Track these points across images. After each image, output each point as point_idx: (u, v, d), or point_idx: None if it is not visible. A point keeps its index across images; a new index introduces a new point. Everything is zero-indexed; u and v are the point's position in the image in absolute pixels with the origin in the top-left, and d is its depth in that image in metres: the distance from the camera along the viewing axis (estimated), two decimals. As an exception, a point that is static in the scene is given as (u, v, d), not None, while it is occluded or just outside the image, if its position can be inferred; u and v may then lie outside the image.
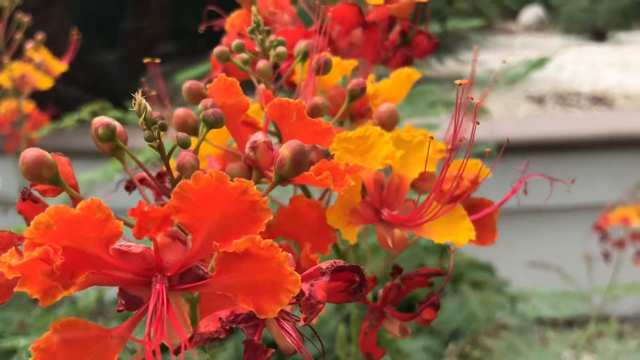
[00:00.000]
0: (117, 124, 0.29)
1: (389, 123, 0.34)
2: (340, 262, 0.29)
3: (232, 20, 0.48)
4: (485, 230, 0.36)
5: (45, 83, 1.17)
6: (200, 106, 0.30)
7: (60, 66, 1.14)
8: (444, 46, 5.41)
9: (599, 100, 4.62)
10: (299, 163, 0.28)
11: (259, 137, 0.29)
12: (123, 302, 0.25)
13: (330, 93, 0.38)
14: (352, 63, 0.39)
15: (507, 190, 3.14)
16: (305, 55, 0.34)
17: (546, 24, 8.17)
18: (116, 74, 5.49)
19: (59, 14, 4.83)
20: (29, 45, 1.13)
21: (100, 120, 0.28)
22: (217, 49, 0.34)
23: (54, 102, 1.50)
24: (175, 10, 5.37)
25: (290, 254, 0.29)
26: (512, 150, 3.35)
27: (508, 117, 4.15)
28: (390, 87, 0.39)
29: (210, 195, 0.24)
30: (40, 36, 1.11)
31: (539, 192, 3.51)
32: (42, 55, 1.12)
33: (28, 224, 0.25)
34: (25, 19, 1.11)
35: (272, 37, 0.33)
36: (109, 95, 5.32)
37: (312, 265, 0.31)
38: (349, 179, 0.30)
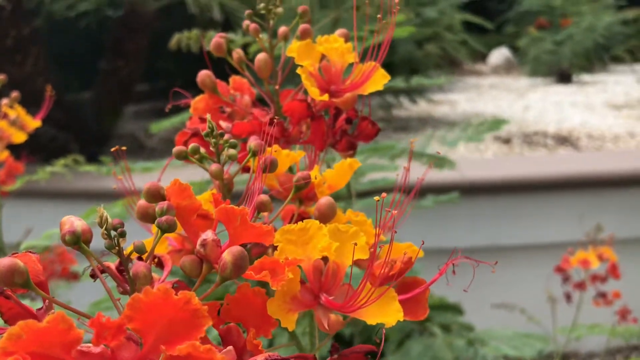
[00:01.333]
0: (82, 226, 0.33)
1: (327, 215, 0.38)
2: (275, 355, 0.33)
3: (195, 104, 0.53)
4: (418, 306, 0.40)
5: (19, 137, 1.20)
6: (157, 209, 0.34)
7: (34, 122, 1.18)
8: (415, 88, 5.57)
9: (564, 139, 4.78)
10: (239, 267, 0.32)
11: (208, 235, 0.33)
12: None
13: (281, 179, 0.42)
14: (300, 154, 0.43)
15: (476, 230, 3.23)
16: (254, 154, 0.39)
17: (514, 66, 8.47)
18: (92, 113, 5.50)
19: (35, 54, 4.85)
20: (4, 102, 1.16)
21: (68, 226, 0.32)
22: (175, 150, 0.38)
23: (30, 142, 1.52)
24: (152, 51, 5.44)
25: (231, 349, 0.33)
26: (480, 190, 3.44)
27: (476, 159, 4.26)
28: (334, 175, 0.43)
29: (158, 306, 0.28)
30: (15, 94, 1.14)
31: (506, 231, 3.62)
32: (17, 112, 1.16)
33: (1, 317, 0.29)
34: (1, 76, 1.15)
35: (227, 136, 0.38)
36: (85, 134, 5.31)
37: (256, 348, 0.34)
38: (287, 274, 0.34)
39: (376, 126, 0.49)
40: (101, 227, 0.33)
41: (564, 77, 7.17)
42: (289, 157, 0.41)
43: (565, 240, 2.74)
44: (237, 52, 0.52)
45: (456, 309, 2.33)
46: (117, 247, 0.33)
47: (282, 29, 0.52)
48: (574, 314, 1.83)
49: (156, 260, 0.38)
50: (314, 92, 0.45)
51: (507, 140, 4.80)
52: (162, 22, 5.57)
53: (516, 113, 5.80)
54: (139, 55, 5.33)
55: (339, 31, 0.49)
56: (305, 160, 0.47)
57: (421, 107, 6.11)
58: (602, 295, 1.81)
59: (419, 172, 2.96)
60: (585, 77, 7.42)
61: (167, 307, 0.29)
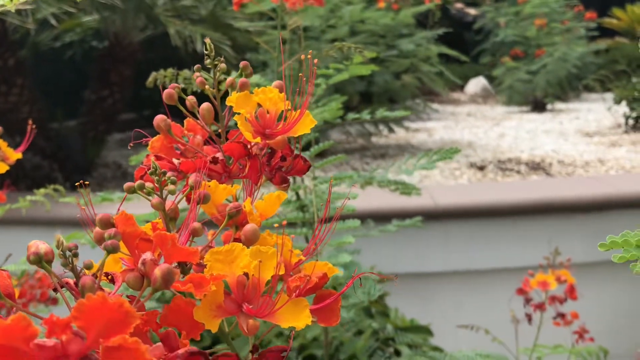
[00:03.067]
0: (45, 248, 0.40)
1: (251, 239, 0.46)
2: (194, 349, 0.41)
3: (152, 143, 0.61)
4: (332, 314, 0.47)
5: (1, 169, 1.27)
6: (105, 235, 0.42)
7: (15, 155, 1.25)
8: (392, 117, 5.70)
9: (537, 165, 4.93)
10: (167, 281, 0.40)
11: (147, 255, 0.41)
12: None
13: (219, 209, 0.50)
14: (235, 187, 0.51)
15: (449, 254, 3.31)
16: (191, 188, 0.47)
17: (491, 94, 8.69)
18: (77, 142, 5.55)
19: (20, 84, 4.93)
20: (-13, 135, 1.23)
21: (34, 248, 0.40)
22: (125, 186, 0.46)
23: (14, 169, 1.59)
24: (136, 81, 5.53)
25: (160, 344, 0.41)
26: (452, 215, 3.53)
27: (449, 185, 4.37)
28: (264, 205, 0.52)
29: (97, 308, 0.36)
30: (-3, 129, 1.22)
31: (477, 255, 3.71)
32: (0, 146, 1.23)
33: None
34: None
35: (169, 174, 0.46)
36: (69, 163, 5.35)
37: (185, 347, 0.42)
38: (211, 286, 0.42)
39: (307, 162, 0.58)
40: (58, 249, 0.40)
41: (539, 106, 7.39)
42: (225, 190, 0.50)
43: (535, 264, 2.84)
44: (189, 99, 0.61)
45: (426, 331, 2.41)
46: (70, 265, 0.40)
47: (229, 80, 0.61)
48: (535, 334, 1.91)
49: (110, 277, 0.45)
50: (248, 136, 0.54)
51: (481, 167, 4.93)
52: (146, 53, 5.69)
53: (491, 140, 5.95)
54: (124, 84, 5.42)
55: (275, 83, 0.58)
56: (244, 193, 0.56)
57: (400, 134, 6.25)
58: (561, 315, 1.90)
59: (387, 198, 3.06)
60: (559, 105, 7.64)
61: (104, 309, 0.36)
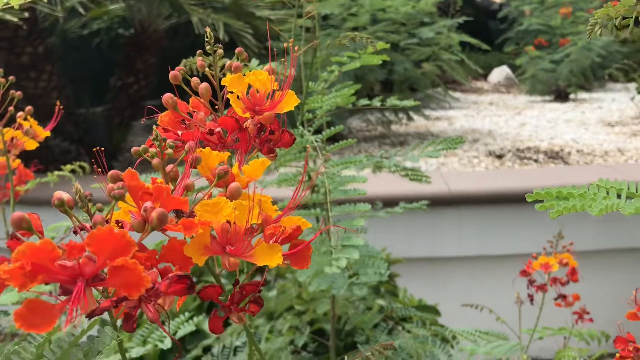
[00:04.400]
0: (67, 197, 0.50)
1: (235, 195, 0.55)
2: (180, 273, 0.50)
3: (161, 118, 0.71)
4: (303, 259, 0.56)
5: (31, 145, 1.39)
6: (115, 187, 0.51)
7: (44, 132, 1.36)
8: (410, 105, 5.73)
9: (556, 155, 4.93)
10: (161, 221, 0.49)
11: (148, 204, 0.50)
12: (61, 291, 0.46)
13: (212, 172, 0.59)
14: (225, 155, 0.60)
15: (462, 238, 3.38)
16: (186, 152, 0.56)
17: (515, 84, 8.63)
18: (103, 127, 5.72)
19: (49, 71, 5.10)
20: (19, 114, 1.35)
21: (57, 195, 0.49)
22: (133, 149, 0.56)
23: (43, 154, 1.72)
24: (160, 68, 5.67)
25: (154, 271, 0.50)
26: (465, 202, 3.59)
27: (466, 172, 4.41)
28: (251, 169, 0.60)
29: (105, 237, 0.45)
30: (28, 108, 1.33)
31: (490, 241, 3.77)
32: (30, 123, 1.35)
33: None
34: (17, 93, 1.34)
35: (169, 141, 0.55)
36: (95, 147, 5.53)
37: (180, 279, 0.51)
38: (198, 228, 0.51)
39: (293, 136, 0.66)
40: (76, 196, 0.50)
41: (561, 95, 7.32)
42: (218, 156, 0.59)
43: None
44: (193, 80, 0.70)
45: (434, 310, 2.49)
46: (86, 207, 0.50)
47: (228, 64, 0.70)
48: (537, 314, 1.98)
49: (120, 224, 0.55)
50: (239, 111, 0.63)
51: (500, 156, 4.95)
52: (171, 41, 5.82)
53: (512, 129, 5.95)
54: (149, 71, 5.56)
55: (266, 67, 0.67)
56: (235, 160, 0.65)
57: (420, 123, 6.28)
58: (563, 296, 1.96)
59: (400, 184, 3.13)
60: (583, 95, 7.57)
61: (110, 238, 0.46)
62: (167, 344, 1.00)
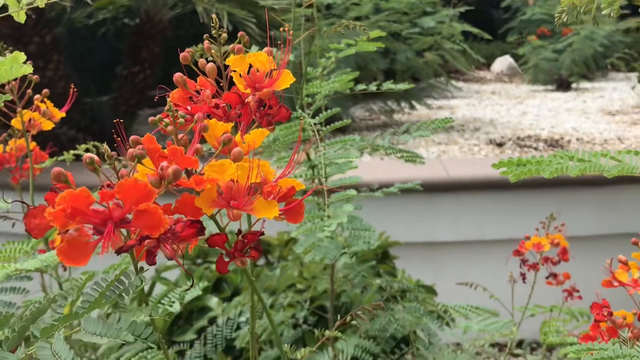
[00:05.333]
0: (96, 157, 0.59)
1: (237, 158, 0.63)
2: (192, 219, 0.59)
3: (172, 95, 0.79)
4: (297, 214, 0.64)
5: (48, 126, 1.48)
6: (135, 150, 0.60)
7: (60, 113, 1.46)
8: (415, 94, 5.81)
9: (555, 143, 4.99)
10: (176, 176, 0.58)
11: (164, 164, 0.59)
12: (94, 231, 0.55)
13: (218, 140, 0.68)
14: (229, 125, 0.69)
15: (461, 223, 3.48)
16: (195, 122, 0.65)
17: (518, 73, 8.67)
18: (109, 116, 5.81)
19: (56, 60, 5.19)
20: (37, 97, 1.44)
21: (86, 155, 0.58)
22: (150, 119, 0.64)
23: (52, 142, 1.83)
24: (166, 58, 5.75)
25: (172, 217, 0.59)
26: (464, 188, 3.69)
27: (465, 159, 4.49)
28: (252, 138, 0.69)
29: (131, 186, 0.54)
30: (45, 91, 1.42)
31: (488, 226, 3.86)
32: (47, 105, 1.44)
33: (50, 205, 0.54)
34: (34, 77, 1.43)
35: (180, 112, 0.64)
36: (102, 135, 5.63)
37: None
38: (206, 184, 0.59)
39: (289, 111, 0.75)
40: (104, 155, 0.59)
41: (564, 85, 7.36)
42: (223, 126, 0.67)
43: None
44: (201, 61, 0.79)
45: (430, 290, 2.58)
46: (112, 164, 0.58)
47: (231, 46, 0.78)
48: (529, 292, 2.07)
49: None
50: (241, 87, 0.71)
51: (500, 144, 5.02)
52: (175, 30, 5.89)
53: (513, 118, 6.01)
54: (154, 61, 5.64)
55: (265, 49, 0.75)
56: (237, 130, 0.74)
57: (422, 112, 6.34)
58: (554, 275, 2.04)
59: (400, 170, 3.24)
60: (585, 84, 7.60)
61: (135, 187, 0.54)
62: (176, 307, 1.09)
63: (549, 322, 1.52)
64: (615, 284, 1.22)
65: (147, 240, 0.55)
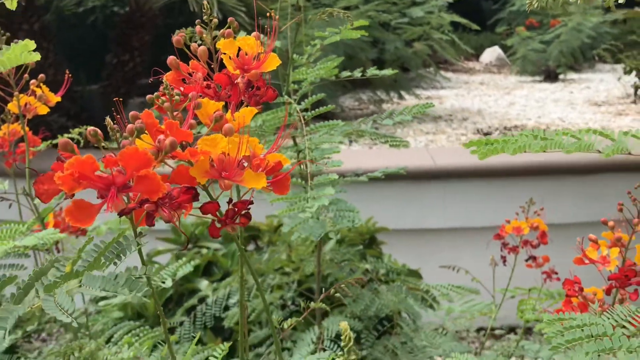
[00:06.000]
0: (99, 132, 0.64)
1: (228, 133, 0.69)
2: (189, 185, 0.64)
3: (167, 77, 0.84)
4: (283, 187, 0.70)
5: (43, 110, 1.52)
6: (136, 124, 0.65)
7: (55, 98, 1.50)
8: (404, 84, 5.86)
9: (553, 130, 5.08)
10: (173, 147, 0.63)
11: (161, 137, 0.64)
12: (99, 195, 0.60)
13: (210, 118, 0.73)
14: (220, 104, 0.74)
15: (448, 210, 3.57)
16: (189, 100, 0.70)
17: (506, 64, 8.75)
18: (99, 104, 5.82)
19: (45, 48, 5.18)
20: (33, 82, 1.49)
21: (90, 129, 0.63)
22: (148, 97, 0.69)
23: (43, 129, 1.87)
24: (155, 46, 5.75)
25: (168, 184, 0.64)
26: (450, 176, 3.76)
27: (451, 148, 4.56)
28: (240, 116, 0.74)
29: (132, 154, 0.59)
30: (41, 76, 1.47)
31: (474, 213, 3.94)
32: (42, 90, 1.49)
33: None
34: (31, 63, 1.47)
35: (175, 91, 0.69)
36: (91, 123, 5.64)
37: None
38: (200, 156, 0.65)
39: (276, 92, 0.80)
40: (110, 130, 0.64)
41: (551, 76, 7.45)
42: (214, 105, 0.73)
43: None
44: (193, 46, 0.84)
45: (416, 274, 2.65)
46: (115, 135, 0.64)
47: (221, 31, 0.84)
48: (510, 274, 2.14)
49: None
50: (230, 69, 0.76)
51: (487, 133, 5.10)
52: (166, 19, 5.89)
53: (501, 108, 6.09)
54: (144, 49, 5.65)
55: (253, 34, 0.81)
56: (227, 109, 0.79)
57: (410, 102, 6.40)
58: (533, 258, 2.12)
59: (389, 159, 3.29)
60: (572, 75, 7.70)
61: (136, 154, 0.60)
62: (168, 283, 1.14)
63: (526, 300, 1.59)
64: (586, 261, 1.29)
65: (147, 204, 0.60)
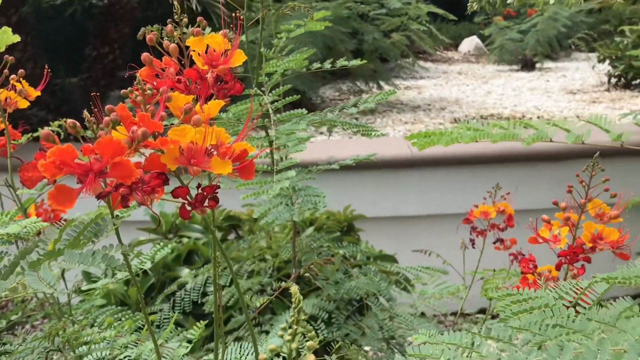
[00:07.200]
0: (77, 124, 0.70)
1: (197, 123, 0.76)
2: (160, 171, 0.71)
3: (140, 72, 0.91)
4: (249, 173, 0.76)
5: (23, 104, 1.57)
6: (111, 116, 0.71)
7: (35, 92, 1.55)
8: (383, 74, 5.94)
9: (516, 120, 5.20)
10: (144, 136, 0.70)
11: (134, 128, 0.71)
12: (78, 181, 0.67)
13: (180, 110, 0.80)
14: (191, 97, 0.81)
15: (424, 198, 3.67)
16: (160, 94, 0.77)
17: (485, 53, 8.86)
18: (79, 97, 5.81)
19: (23, 41, 5.16)
20: (13, 77, 1.53)
21: (69, 121, 0.69)
22: (122, 91, 0.76)
23: (22, 122, 1.92)
24: (135, 39, 5.73)
25: (141, 170, 0.71)
26: (427, 164, 3.85)
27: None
28: (209, 108, 0.81)
29: (107, 143, 0.66)
30: (21, 71, 1.52)
31: (450, 200, 4.05)
32: (23, 85, 1.54)
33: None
34: (10, 58, 1.52)
35: (147, 86, 0.75)
36: (71, 117, 5.63)
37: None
38: (170, 145, 0.72)
39: (243, 85, 0.87)
40: (87, 123, 0.70)
41: (528, 64, 7.57)
42: (185, 98, 0.79)
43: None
44: (165, 43, 0.90)
45: (391, 259, 2.74)
46: (92, 126, 0.70)
47: (192, 30, 0.90)
48: (479, 257, 2.23)
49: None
50: (199, 64, 0.83)
51: (464, 122, 5.20)
52: (145, 11, 5.89)
53: (478, 97, 6.20)
54: (123, 42, 5.65)
55: (221, 32, 0.87)
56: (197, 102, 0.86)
57: (390, 92, 6.47)
58: (501, 240, 2.22)
59: (367, 149, 3.32)
60: (549, 64, 7.83)
61: (111, 143, 0.66)
62: (147, 265, 1.21)
63: (490, 280, 1.69)
64: (540, 240, 1.38)
65: (122, 188, 0.67)
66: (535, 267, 1.36)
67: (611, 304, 1.07)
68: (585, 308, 1.07)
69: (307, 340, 0.63)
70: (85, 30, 6.06)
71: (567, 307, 1.06)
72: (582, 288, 1.12)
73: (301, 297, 0.54)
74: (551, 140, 0.98)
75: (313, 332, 0.55)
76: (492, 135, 0.90)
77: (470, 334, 0.88)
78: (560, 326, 0.75)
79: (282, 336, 0.57)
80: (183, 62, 0.88)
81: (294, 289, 0.55)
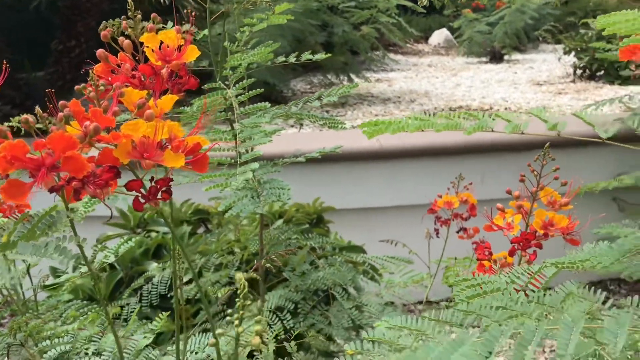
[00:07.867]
0: (32, 119, 0.71)
1: (149, 118, 0.77)
2: (113, 165, 0.73)
3: (96, 68, 0.92)
4: (202, 165, 0.79)
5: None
6: (64, 112, 0.72)
7: (-6, 89, 1.54)
8: (354, 67, 5.97)
9: (484, 112, 5.29)
10: (96, 131, 0.71)
11: (87, 123, 0.72)
12: (30, 175, 0.68)
13: (134, 105, 0.82)
14: (144, 92, 0.82)
15: (393, 186, 3.71)
16: (114, 90, 0.78)
17: (454, 45, 8.96)
18: (45, 92, 5.71)
19: (-14, 35, 5.05)
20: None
21: (23, 117, 0.70)
22: (76, 87, 0.77)
23: None
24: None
25: (93, 164, 0.73)
26: (396, 156, 3.90)
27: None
28: (163, 103, 0.83)
29: (59, 138, 0.67)
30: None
31: (417, 191, 4.11)
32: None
33: None
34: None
35: (101, 82, 0.77)
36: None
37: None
38: (122, 139, 0.73)
39: (197, 80, 0.89)
40: (39, 118, 0.71)
41: (496, 57, 7.69)
42: (139, 93, 0.81)
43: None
44: (120, 39, 0.91)
45: (360, 249, 2.79)
46: (45, 123, 0.71)
47: (147, 26, 0.91)
48: (443, 246, 2.29)
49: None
50: (152, 60, 0.85)
51: (433, 114, 5.27)
52: (112, 4, 5.81)
53: (447, 89, 6.28)
54: (90, 35, 5.56)
55: (175, 27, 0.89)
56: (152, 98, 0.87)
57: (360, 85, 6.52)
58: (464, 229, 2.27)
59: (333, 142, 3.36)
60: (517, 56, 7.97)
61: (63, 138, 0.68)
62: (111, 259, 1.22)
63: (451, 268, 1.74)
64: (494, 227, 1.43)
65: (74, 182, 0.68)
66: (491, 253, 1.41)
67: (560, 289, 1.12)
68: (534, 292, 1.12)
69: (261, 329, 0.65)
70: (52, 24, 5.95)
71: (518, 291, 1.11)
72: (533, 273, 1.17)
73: (246, 284, 0.56)
74: (492, 130, 1.02)
75: (260, 317, 0.58)
76: (436, 124, 0.94)
77: (422, 318, 0.92)
78: (504, 308, 0.79)
79: (231, 322, 0.60)
80: (137, 57, 0.89)
81: (239, 276, 0.58)
